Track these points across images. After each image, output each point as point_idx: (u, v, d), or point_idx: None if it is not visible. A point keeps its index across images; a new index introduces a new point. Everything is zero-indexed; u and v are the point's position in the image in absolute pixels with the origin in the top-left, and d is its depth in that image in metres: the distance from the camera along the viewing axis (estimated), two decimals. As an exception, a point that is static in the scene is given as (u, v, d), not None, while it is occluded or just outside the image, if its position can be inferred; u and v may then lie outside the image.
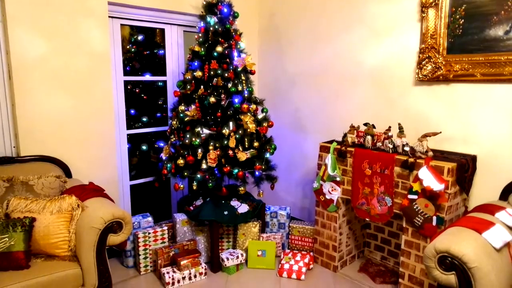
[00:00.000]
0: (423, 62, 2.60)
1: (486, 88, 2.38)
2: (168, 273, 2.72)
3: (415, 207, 2.37)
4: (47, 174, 2.45)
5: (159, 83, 4.11)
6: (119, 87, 3.13)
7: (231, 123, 2.81)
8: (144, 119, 4.11)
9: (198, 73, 2.81)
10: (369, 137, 2.61)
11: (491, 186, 2.38)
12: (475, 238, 1.81)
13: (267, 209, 3.28)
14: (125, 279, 2.83)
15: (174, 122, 2.90)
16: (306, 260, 2.93)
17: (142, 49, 4.05)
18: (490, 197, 2.36)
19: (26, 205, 2.17)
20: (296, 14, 3.48)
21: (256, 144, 2.89)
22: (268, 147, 2.99)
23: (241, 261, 2.93)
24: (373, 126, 2.63)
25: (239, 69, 2.88)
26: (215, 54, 2.82)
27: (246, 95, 2.91)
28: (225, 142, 2.78)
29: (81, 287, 2.13)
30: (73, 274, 2.09)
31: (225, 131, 2.77)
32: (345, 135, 2.78)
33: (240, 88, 2.85)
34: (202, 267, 2.82)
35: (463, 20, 2.41)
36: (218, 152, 2.77)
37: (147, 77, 3.97)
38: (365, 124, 2.66)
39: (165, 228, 2.97)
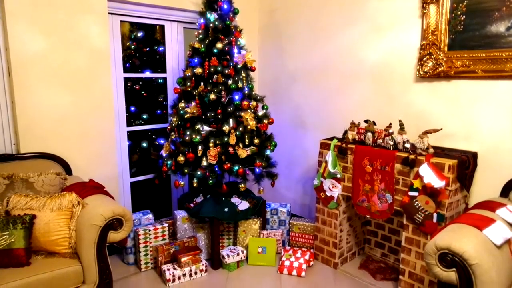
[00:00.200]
0: (424, 59, 2.59)
1: (487, 85, 2.37)
2: (168, 270, 2.73)
3: (415, 204, 2.37)
4: (47, 171, 2.45)
5: (159, 80, 4.10)
6: (119, 84, 3.12)
7: (231, 120, 2.81)
8: (144, 116, 4.10)
9: (198, 70, 2.80)
10: (369, 134, 2.61)
11: (491, 183, 2.38)
12: (475, 235, 1.80)
13: (268, 206, 3.28)
14: (126, 276, 2.83)
15: (174, 119, 2.89)
16: (307, 257, 2.93)
17: (142, 46, 4.03)
18: (491, 194, 2.36)
19: (26, 202, 2.17)
20: (297, 10, 3.47)
21: (256, 141, 2.89)
22: (268, 144, 2.99)
23: (241, 258, 2.93)
24: (374, 123, 2.62)
25: (239, 66, 2.87)
26: (215, 50, 2.81)
27: (246, 92, 2.90)
28: (226, 139, 2.77)
29: (82, 284, 2.13)
30: (73, 271, 2.08)
31: (226, 128, 2.77)
32: (345, 132, 2.77)
33: (240, 85, 2.84)
34: (203, 264, 2.83)
35: (464, 16, 2.40)
36: (218, 149, 2.77)
37: (147, 74, 3.96)
38: (366, 121, 2.65)
39: (166, 225, 2.97)
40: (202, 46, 2.84)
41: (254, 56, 3.77)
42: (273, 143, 3.02)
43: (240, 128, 2.82)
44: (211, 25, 2.85)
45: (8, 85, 2.55)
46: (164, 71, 3.45)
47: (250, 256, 3.00)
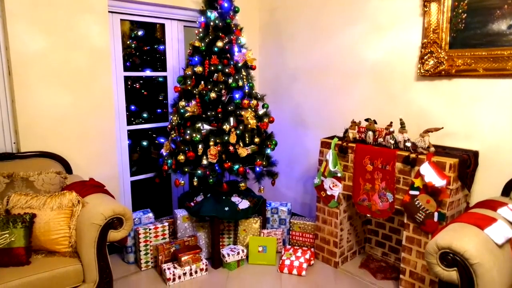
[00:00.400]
0: (425, 57, 2.57)
1: (489, 83, 2.36)
2: (169, 269, 2.72)
3: (416, 203, 2.36)
4: (48, 170, 2.45)
5: (160, 79, 4.09)
6: (119, 83, 3.12)
7: (231, 119, 2.80)
8: (145, 115, 4.09)
9: (199, 69, 2.79)
10: (370, 133, 2.60)
11: (493, 182, 2.37)
12: (477, 234, 1.80)
13: (268, 205, 3.28)
14: (126, 275, 2.83)
15: (175, 118, 2.89)
16: (307, 256, 2.93)
17: (142, 44, 4.02)
18: (492, 193, 2.35)
19: (26, 201, 2.17)
20: (297, 8, 3.46)
21: (256, 140, 2.88)
22: (269, 143, 2.98)
23: (242, 257, 2.93)
24: (375, 122, 2.61)
25: (239, 65, 2.87)
26: (215, 49, 2.80)
27: (246, 90, 2.89)
28: (226, 138, 2.77)
29: (82, 283, 2.13)
30: (73, 270, 2.08)
31: (226, 126, 2.76)
32: (346, 131, 2.76)
33: (240, 83, 2.83)
34: (203, 263, 2.82)
35: (465, 15, 2.38)
36: (218, 148, 2.77)
37: (148, 73, 3.95)
38: (367, 120, 2.64)
39: (166, 224, 2.97)
40: (203, 44, 2.83)
41: (255, 54, 3.76)
42: (273, 142, 3.01)
43: (241, 127, 2.81)
44: (212, 23, 2.84)
45: (9, 84, 2.54)
46: (165, 69, 3.45)
47: (251, 255, 3.00)
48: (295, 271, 2.84)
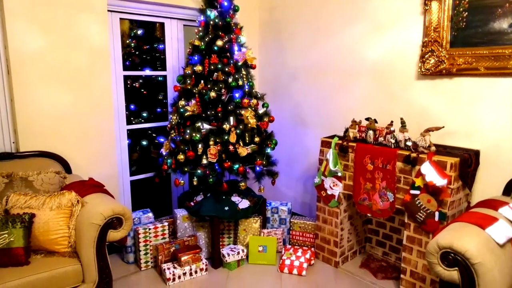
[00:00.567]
0: (426, 56, 2.56)
1: (490, 82, 2.35)
2: (168, 269, 2.72)
3: (417, 203, 2.35)
4: (47, 170, 2.44)
5: (159, 78, 4.08)
6: (119, 82, 3.11)
7: (231, 118, 2.79)
8: (144, 114, 4.09)
9: (198, 68, 2.78)
10: (371, 132, 2.59)
11: (494, 181, 2.36)
12: (478, 233, 1.79)
13: (268, 205, 3.27)
14: (126, 275, 2.82)
15: (174, 117, 2.88)
16: (307, 256, 2.92)
17: (141, 43, 4.01)
18: (493, 192, 2.34)
19: (25, 201, 2.16)
20: (297, 7, 3.44)
21: (256, 139, 2.87)
22: (269, 142, 2.97)
23: (242, 257, 2.92)
24: (375, 121, 2.60)
25: (239, 64, 2.86)
26: (215, 48, 2.79)
27: (246, 89, 2.88)
28: (226, 137, 2.76)
29: (82, 283, 2.12)
30: (73, 270, 2.07)
31: (226, 126, 2.75)
32: (346, 130, 2.75)
33: (240, 82, 2.82)
34: (203, 263, 2.81)
35: (466, 13, 2.37)
36: (218, 148, 2.76)
37: (147, 72, 3.94)
38: (367, 119, 2.63)
39: (166, 224, 2.96)
40: (202, 43, 2.82)
41: (255, 53, 3.75)
42: (273, 141, 3.00)
43: (241, 126, 2.80)
44: (211, 22, 2.83)
45: (7, 83, 2.53)
46: (164, 69, 3.44)
47: (251, 255, 2.99)
48: (295, 271, 2.83)
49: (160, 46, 3.91)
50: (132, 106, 4.06)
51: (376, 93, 2.94)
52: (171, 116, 2.97)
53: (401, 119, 2.46)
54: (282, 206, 3.24)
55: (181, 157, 2.75)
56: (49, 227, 2.11)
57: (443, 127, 2.43)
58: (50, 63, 2.62)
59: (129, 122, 3.40)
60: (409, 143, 2.40)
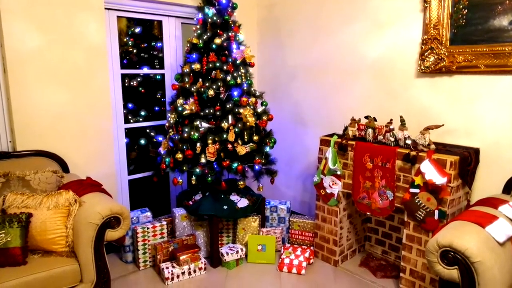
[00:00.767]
0: (425, 54, 2.55)
1: (490, 80, 2.34)
2: (167, 268, 2.70)
3: (417, 201, 2.34)
4: (44, 169, 2.42)
5: (157, 77, 4.06)
6: (116, 81, 3.09)
7: (230, 117, 2.78)
8: (142, 113, 4.07)
9: (196, 66, 2.77)
10: (370, 130, 2.58)
11: (494, 180, 2.35)
12: (478, 232, 1.78)
13: (267, 204, 3.26)
14: (124, 274, 2.81)
15: (173, 116, 2.86)
16: (307, 255, 2.91)
17: (139, 41, 4.00)
18: (493, 190, 2.33)
19: (22, 201, 2.14)
20: (296, 5, 3.43)
21: (255, 137, 2.86)
22: (267, 140, 2.96)
23: (241, 256, 2.91)
24: (374, 119, 2.59)
25: (238, 62, 2.84)
26: (213, 46, 2.78)
27: (245, 88, 2.87)
28: (224, 136, 2.74)
29: (79, 283, 2.11)
30: (71, 270, 2.06)
31: (224, 124, 2.74)
32: (346, 128, 2.74)
33: (239, 81, 2.81)
34: (202, 262, 2.80)
35: (466, 10, 2.36)
36: (217, 146, 2.74)
37: (145, 70, 3.92)
38: (366, 117, 2.62)
39: (164, 223, 2.95)
40: (200, 41, 2.81)
41: (253, 51, 3.72)
42: (272, 140, 2.99)
43: (239, 125, 2.79)
44: (209, 20, 2.81)
45: (4, 82, 2.51)
46: (162, 67, 3.42)
47: (250, 254, 2.98)
48: (294, 270, 2.82)
49: (158, 44, 3.90)
50: (130, 105, 4.05)
51: (375, 91, 2.93)
52: (169, 114, 2.96)
53: (401, 117, 2.45)
54: (281, 205, 3.23)
55: (179, 156, 2.74)
56: (47, 226, 2.10)
57: (443, 125, 2.43)
58: (47, 62, 2.60)
59: (127, 121, 3.39)
60: (408, 141, 2.39)
